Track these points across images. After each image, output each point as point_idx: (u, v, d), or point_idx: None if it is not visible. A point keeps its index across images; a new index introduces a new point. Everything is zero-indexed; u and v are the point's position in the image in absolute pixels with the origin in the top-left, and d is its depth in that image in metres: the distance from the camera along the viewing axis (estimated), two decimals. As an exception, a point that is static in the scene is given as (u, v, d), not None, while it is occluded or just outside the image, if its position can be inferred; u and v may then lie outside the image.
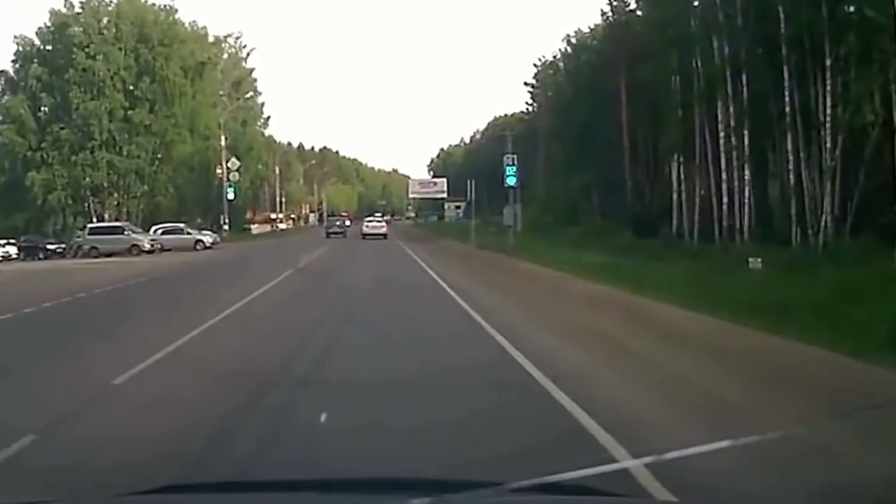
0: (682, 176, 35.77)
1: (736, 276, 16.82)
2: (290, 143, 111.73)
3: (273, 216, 78.79)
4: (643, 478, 3.89)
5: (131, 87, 47.41)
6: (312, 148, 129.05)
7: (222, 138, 44.89)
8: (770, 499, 4.23)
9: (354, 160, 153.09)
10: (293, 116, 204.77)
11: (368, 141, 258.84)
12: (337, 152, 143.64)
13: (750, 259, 19.58)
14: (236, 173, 45.61)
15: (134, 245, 35.77)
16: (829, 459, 4.35)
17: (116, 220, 44.08)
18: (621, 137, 44.78)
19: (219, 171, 44.74)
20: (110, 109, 46.77)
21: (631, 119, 44.83)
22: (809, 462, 4.27)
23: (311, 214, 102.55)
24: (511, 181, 32.76)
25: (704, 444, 3.98)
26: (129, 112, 47.10)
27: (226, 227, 45.39)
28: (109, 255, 33.99)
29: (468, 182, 36.02)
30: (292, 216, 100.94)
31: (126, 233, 37.05)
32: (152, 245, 36.46)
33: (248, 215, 73.53)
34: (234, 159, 46.02)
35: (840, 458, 4.40)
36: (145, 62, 47.85)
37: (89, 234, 37.76)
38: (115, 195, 47.07)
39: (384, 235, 47.24)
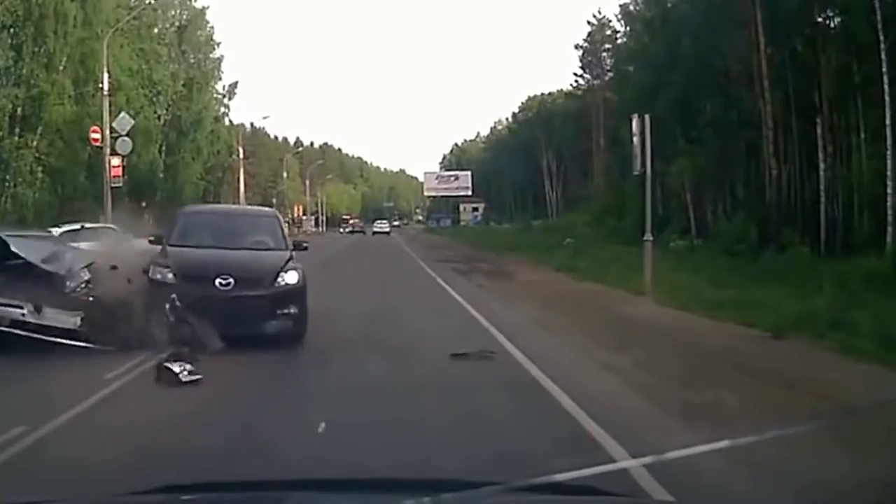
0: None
1: None
2: (285, 139, 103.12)
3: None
4: (642, 478, 3.88)
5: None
6: (312, 144, 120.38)
7: (105, 76, 25.26)
8: (769, 499, 4.25)
9: (358, 159, 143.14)
10: (292, 111, 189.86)
11: (373, 138, 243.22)
12: (339, 149, 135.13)
13: None
14: (127, 140, 26.08)
15: None
16: (829, 459, 4.29)
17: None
18: (760, 98, 29.71)
19: (94, 135, 25.61)
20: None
21: (777, 70, 29.95)
22: (809, 462, 4.24)
23: (305, 217, 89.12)
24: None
25: (704, 445, 3.63)
26: (-24, 48, 28.95)
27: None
28: None
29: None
30: (284, 220, 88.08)
31: None
32: None
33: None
34: (123, 114, 26.71)
35: (840, 458, 4.32)
36: (3, -33, 29.78)
37: None
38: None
39: (387, 233, 60.83)
